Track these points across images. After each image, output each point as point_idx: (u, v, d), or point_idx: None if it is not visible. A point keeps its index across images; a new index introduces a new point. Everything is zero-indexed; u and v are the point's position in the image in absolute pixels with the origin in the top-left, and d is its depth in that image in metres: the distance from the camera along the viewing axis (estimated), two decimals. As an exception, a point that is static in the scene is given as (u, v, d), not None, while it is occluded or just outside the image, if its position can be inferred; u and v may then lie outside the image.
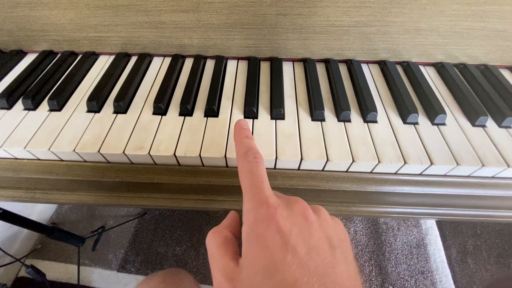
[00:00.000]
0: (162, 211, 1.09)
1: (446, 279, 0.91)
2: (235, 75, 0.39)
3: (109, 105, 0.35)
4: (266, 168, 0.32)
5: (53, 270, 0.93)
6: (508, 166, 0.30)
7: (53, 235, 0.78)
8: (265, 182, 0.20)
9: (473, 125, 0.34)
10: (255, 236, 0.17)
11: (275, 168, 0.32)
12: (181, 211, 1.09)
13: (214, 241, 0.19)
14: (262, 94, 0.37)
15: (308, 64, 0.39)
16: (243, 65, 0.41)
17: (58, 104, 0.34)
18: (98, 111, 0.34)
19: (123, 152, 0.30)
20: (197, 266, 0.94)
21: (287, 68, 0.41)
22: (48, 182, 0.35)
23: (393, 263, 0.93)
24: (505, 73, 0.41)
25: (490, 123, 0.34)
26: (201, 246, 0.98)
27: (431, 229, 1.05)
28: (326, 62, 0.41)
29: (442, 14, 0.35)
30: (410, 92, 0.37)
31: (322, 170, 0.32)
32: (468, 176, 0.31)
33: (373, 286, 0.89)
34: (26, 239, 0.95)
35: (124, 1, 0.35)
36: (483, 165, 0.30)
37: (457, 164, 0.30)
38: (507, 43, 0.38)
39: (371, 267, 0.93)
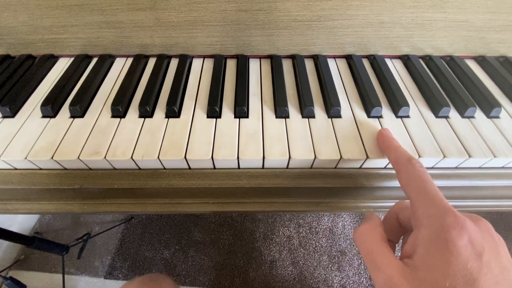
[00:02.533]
0: (149, 214, 1.07)
1: (432, 269, 0.92)
2: (200, 74, 0.39)
3: (66, 110, 0.34)
4: (229, 169, 0.31)
5: (38, 280, 0.91)
6: (469, 156, 0.30)
7: (33, 245, 0.76)
8: (439, 191, 0.20)
9: (436, 116, 0.34)
10: (443, 241, 0.17)
11: (239, 167, 0.31)
12: (169, 214, 1.07)
13: (373, 238, 0.20)
14: (227, 93, 0.36)
15: (273, 61, 0.39)
16: (209, 64, 0.40)
17: (11, 110, 0.33)
18: (54, 116, 0.33)
19: (78, 158, 0.29)
20: (186, 268, 0.93)
21: (254, 66, 0.40)
22: (4, 192, 0.33)
23: (380, 255, 0.93)
24: (471, 63, 0.41)
25: (453, 114, 0.34)
26: (190, 249, 0.97)
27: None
28: (293, 58, 0.40)
29: (402, 6, 0.34)
30: (375, 86, 0.37)
31: (287, 167, 0.31)
32: (432, 168, 0.31)
33: (362, 279, 0.90)
34: (8, 250, 0.92)
35: (77, 0, 0.34)
36: (444, 156, 0.29)
37: (419, 156, 0.29)
38: (469, 33, 0.38)
39: (360, 260, 0.94)
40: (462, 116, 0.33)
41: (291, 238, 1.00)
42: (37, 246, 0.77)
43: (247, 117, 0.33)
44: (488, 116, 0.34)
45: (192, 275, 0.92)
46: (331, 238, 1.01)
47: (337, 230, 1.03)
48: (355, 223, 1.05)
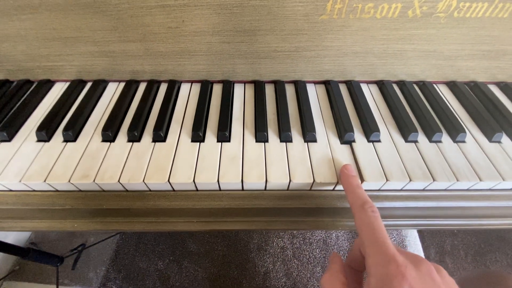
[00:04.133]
0: (144, 225, 1.08)
1: (423, 281, 0.92)
2: (187, 98, 0.41)
3: (59, 134, 0.36)
4: (211, 191, 0.34)
5: (32, 291, 0.91)
6: (434, 180, 0.32)
7: (28, 257, 0.77)
8: (388, 238, 0.22)
9: (406, 141, 0.36)
10: None
11: (220, 189, 0.33)
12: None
13: (333, 287, 0.23)
14: (212, 117, 0.38)
15: (256, 86, 0.41)
16: (197, 88, 0.43)
17: (8, 134, 0.35)
18: (48, 140, 0.35)
19: (69, 181, 0.31)
20: (180, 280, 0.93)
21: (238, 90, 0.42)
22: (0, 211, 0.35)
23: (372, 267, 0.94)
24: (443, 88, 0.44)
25: (422, 138, 0.36)
26: (184, 260, 0.98)
27: (410, 231, 1.07)
28: (275, 83, 0.43)
29: (373, 38, 0.37)
30: (351, 110, 0.39)
31: (265, 190, 0.33)
32: (400, 190, 0.33)
33: (354, 291, 0.91)
34: (3, 261, 0.93)
35: (72, 33, 0.37)
36: (410, 180, 0.32)
37: (387, 180, 0.32)
38: (439, 61, 0.41)
39: (351, 272, 0.94)
40: (430, 140, 0.36)
41: (285, 249, 1.01)
42: (32, 258, 0.78)
43: (229, 141, 0.35)
44: (454, 141, 0.36)
45: (186, 287, 0.92)
46: (325, 249, 1.02)
47: (330, 241, 1.04)
48: (348, 234, 1.06)
